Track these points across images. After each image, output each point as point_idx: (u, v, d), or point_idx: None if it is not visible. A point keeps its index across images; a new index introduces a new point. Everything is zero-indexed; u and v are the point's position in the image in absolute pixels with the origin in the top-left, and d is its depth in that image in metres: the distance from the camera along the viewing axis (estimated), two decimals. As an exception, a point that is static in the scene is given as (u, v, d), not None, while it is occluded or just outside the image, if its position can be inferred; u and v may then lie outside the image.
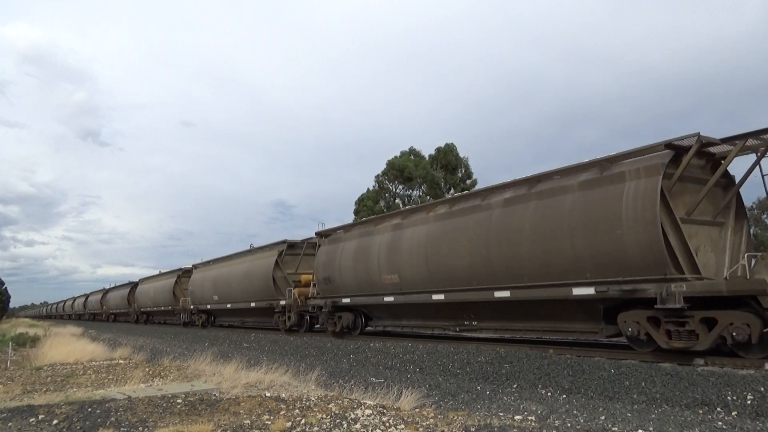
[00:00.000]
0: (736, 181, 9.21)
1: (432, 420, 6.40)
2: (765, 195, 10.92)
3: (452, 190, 40.70)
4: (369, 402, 7.56)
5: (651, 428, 6.01)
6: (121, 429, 6.35)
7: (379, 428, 6.03)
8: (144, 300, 36.95)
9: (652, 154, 8.68)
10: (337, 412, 6.88)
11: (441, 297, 12.06)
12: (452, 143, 42.63)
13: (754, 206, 32.01)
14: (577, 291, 9.23)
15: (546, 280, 9.74)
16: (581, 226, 9.13)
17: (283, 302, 19.03)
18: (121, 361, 14.74)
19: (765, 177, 8.76)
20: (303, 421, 6.41)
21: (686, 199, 8.77)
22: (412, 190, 42.60)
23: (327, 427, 6.12)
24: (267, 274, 19.80)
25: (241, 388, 9.20)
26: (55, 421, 6.79)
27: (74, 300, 68.36)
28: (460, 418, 6.51)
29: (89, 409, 7.29)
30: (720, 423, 6.06)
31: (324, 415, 6.69)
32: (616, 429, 6.06)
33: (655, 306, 8.15)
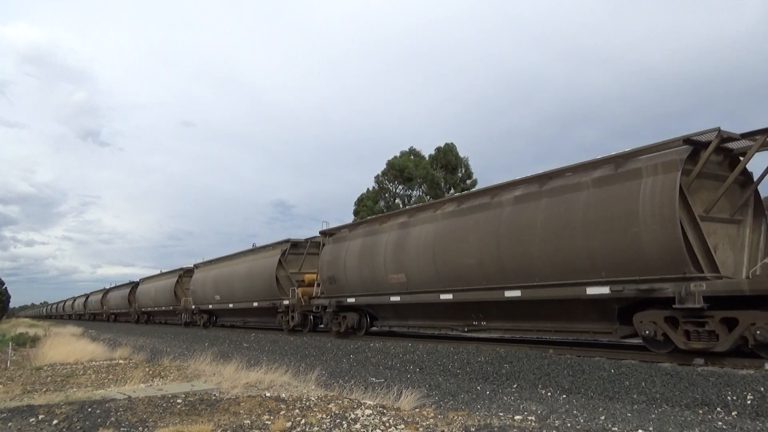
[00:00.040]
0: (755, 178, 8.99)
1: (432, 420, 6.35)
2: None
3: (452, 190, 40.60)
4: (369, 402, 7.52)
5: (651, 428, 5.94)
6: (121, 429, 6.30)
7: (379, 428, 5.98)
8: (145, 300, 36.78)
9: (670, 149, 8.45)
10: (337, 412, 6.85)
11: (449, 297, 11.83)
12: (452, 143, 42.63)
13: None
14: (591, 290, 9.01)
15: (558, 279, 9.53)
16: (595, 224, 8.91)
17: (286, 302, 18.78)
18: (121, 361, 14.65)
19: None
20: (303, 421, 6.38)
21: (704, 196, 8.55)
22: (412, 190, 42.53)
23: (327, 427, 6.08)
24: (270, 274, 19.57)
25: (241, 388, 9.13)
26: (55, 421, 6.75)
27: (74, 300, 68.30)
28: (460, 418, 6.46)
29: (89, 409, 7.26)
30: (720, 423, 6.00)
31: (324, 415, 6.65)
32: (616, 429, 5.98)
33: (673, 306, 7.93)
